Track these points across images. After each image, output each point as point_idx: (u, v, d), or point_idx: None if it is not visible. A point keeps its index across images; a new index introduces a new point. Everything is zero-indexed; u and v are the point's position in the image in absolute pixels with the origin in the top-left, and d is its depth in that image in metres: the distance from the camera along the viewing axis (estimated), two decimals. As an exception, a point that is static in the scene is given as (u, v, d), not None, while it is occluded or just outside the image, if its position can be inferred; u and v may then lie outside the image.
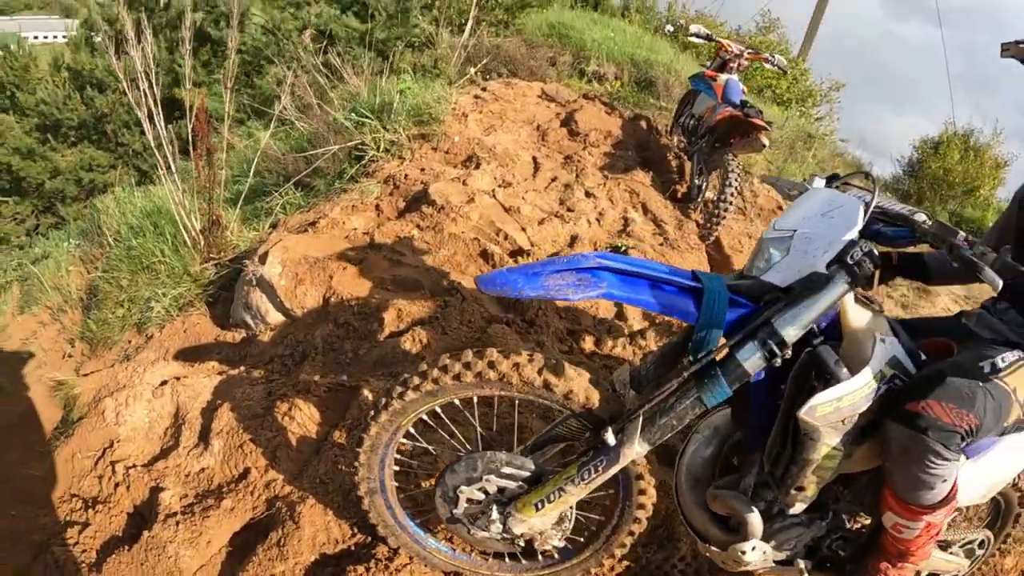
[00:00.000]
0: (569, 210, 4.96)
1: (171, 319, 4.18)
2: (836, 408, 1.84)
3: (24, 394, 4.09)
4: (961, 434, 1.84)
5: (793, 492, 2.01)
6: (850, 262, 1.79)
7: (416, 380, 1.98)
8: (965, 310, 2.44)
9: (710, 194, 5.76)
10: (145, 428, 3.08)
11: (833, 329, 1.97)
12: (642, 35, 11.01)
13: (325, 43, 8.11)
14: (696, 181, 5.81)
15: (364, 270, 3.90)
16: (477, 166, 5.03)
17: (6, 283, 7.18)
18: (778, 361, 1.81)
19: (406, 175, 4.78)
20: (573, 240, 4.61)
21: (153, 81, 4.27)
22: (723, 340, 1.84)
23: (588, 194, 5.31)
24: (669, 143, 6.87)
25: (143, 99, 4.24)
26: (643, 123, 7.19)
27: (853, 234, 1.85)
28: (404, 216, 4.46)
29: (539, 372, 1.92)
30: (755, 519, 2.07)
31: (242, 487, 2.73)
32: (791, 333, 1.79)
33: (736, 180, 5.11)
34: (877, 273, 1.88)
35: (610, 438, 1.89)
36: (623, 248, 4.70)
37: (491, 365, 1.92)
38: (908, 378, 1.94)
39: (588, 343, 3.69)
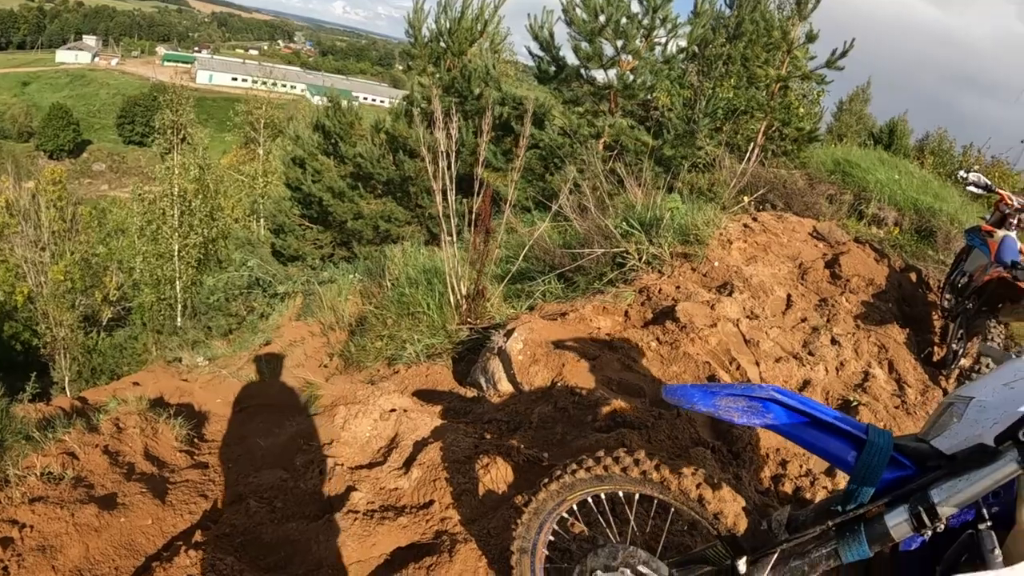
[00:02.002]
0: (810, 354, 4.88)
1: (418, 363, 4.69)
2: None
3: (278, 383, 4.79)
4: None
5: None
6: (1022, 439, 1.61)
7: (590, 462, 2.12)
8: None
9: (966, 361, 5.30)
10: (364, 440, 3.51)
11: (1008, 517, 1.77)
12: (931, 180, 10.64)
13: (616, 152, 8.64)
14: (954, 346, 5.40)
15: (595, 367, 4.12)
16: (729, 293, 5.10)
17: (292, 292, 8.42)
18: (928, 533, 1.69)
19: (660, 289, 4.97)
20: (805, 384, 4.54)
21: (452, 160, 4.85)
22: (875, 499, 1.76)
23: (834, 341, 5.17)
24: (938, 300, 6.47)
25: (441, 174, 4.83)
26: (913, 275, 6.93)
27: None
28: (648, 327, 4.63)
29: (697, 485, 1.98)
30: None
31: (421, 514, 3.04)
32: (944, 505, 1.66)
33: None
34: None
35: (741, 566, 1.90)
36: (854, 403, 4.51)
37: (657, 467, 2.02)
38: None
39: (788, 488, 3.62)
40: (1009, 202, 5.77)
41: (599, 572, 2.14)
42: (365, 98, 77.13)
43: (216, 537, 3.13)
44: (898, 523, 1.71)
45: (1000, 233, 5.56)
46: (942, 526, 1.68)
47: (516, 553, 2.42)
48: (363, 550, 2.91)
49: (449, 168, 4.85)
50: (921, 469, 1.77)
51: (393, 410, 3.72)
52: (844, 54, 10.50)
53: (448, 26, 11.94)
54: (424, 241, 9.46)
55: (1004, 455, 1.63)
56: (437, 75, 11.73)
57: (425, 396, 4.24)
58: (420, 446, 3.44)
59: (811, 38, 10.77)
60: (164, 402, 5.29)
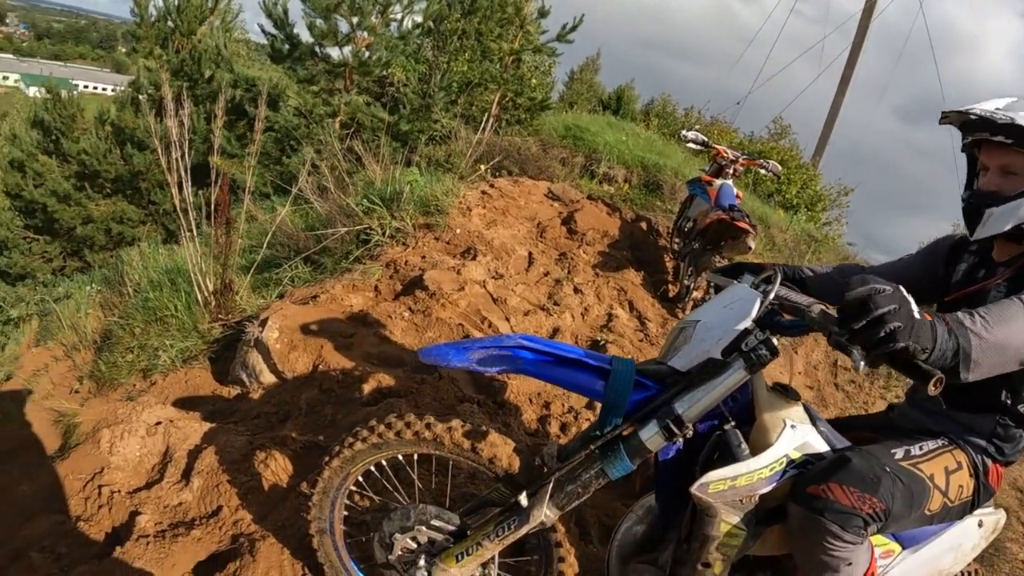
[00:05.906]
0: (555, 304, 5.19)
1: (175, 369, 4.46)
2: (731, 487, 1.95)
3: (28, 421, 4.35)
4: (863, 517, 1.87)
5: (700, 568, 2.08)
6: (744, 349, 1.89)
7: (365, 433, 2.20)
8: (893, 403, 2.54)
9: (698, 294, 5.99)
10: (135, 461, 3.33)
11: (748, 415, 2.09)
12: (655, 139, 11.49)
13: (353, 130, 8.61)
14: (686, 282, 6.05)
15: (353, 344, 4.15)
16: (473, 257, 5.29)
17: (27, 315, 7.52)
18: (679, 440, 1.93)
19: (406, 261, 5.05)
20: (555, 332, 4.82)
21: (186, 150, 4.63)
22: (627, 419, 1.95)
23: (576, 290, 5.55)
24: (668, 244, 7.18)
25: (174, 165, 4.60)
26: (643, 224, 7.49)
27: (747, 323, 1.95)
28: (399, 298, 4.71)
29: (467, 436, 2.12)
30: None
31: (212, 522, 2.97)
32: (688, 414, 1.89)
33: None
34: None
35: (523, 500, 2.03)
36: (602, 342, 4.90)
37: (428, 426, 2.14)
38: None
39: (554, 427, 3.85)
40: (724, 155, 6.57)
41: (397, 535, 2.24)
42: (86, 86, 68.64)
43: (5, 604, 2.87)
44: (651, 436, 1.93)
45: (718, 182, 6.29)
46: (690, 432, 1.92)
47: (316, 535, 2.47)
48: (163, 573, 2.79)
49: (183, 159, 4.61)
50: (664, 387, 1.97)
51: (159, 423, 3.54)
52: (574, 28, 11.16)
53: (177, 3, 11.38)
54: (162, 240, 8.92)
55: (731, 365, 1.91)
56: (165, 57, 11.11)
57: (189, 403, 4.07)
58: (194, 454, 3.33)
59: (543, 13, 11.35)
60: None
